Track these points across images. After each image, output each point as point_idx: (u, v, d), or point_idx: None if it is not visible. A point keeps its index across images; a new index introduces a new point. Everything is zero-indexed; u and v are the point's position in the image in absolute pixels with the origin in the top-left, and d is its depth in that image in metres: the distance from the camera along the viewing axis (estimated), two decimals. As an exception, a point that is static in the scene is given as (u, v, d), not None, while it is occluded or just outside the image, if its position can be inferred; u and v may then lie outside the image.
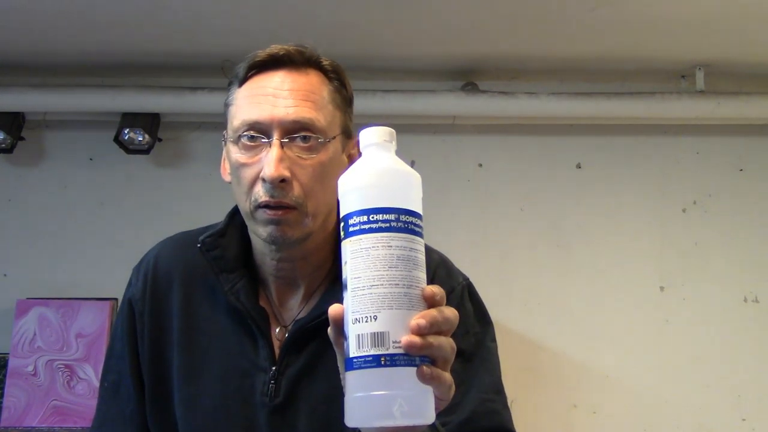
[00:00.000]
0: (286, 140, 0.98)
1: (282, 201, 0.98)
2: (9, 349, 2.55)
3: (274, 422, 1.02)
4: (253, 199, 1.00)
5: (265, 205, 0.98)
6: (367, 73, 2.79)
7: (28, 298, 2.62)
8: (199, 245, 1.07)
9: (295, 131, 0.99)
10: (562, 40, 2.41)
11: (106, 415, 1.11)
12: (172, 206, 2.75)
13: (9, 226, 2.83)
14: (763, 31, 2.30)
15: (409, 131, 2.87)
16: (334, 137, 1.02)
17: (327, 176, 1.00)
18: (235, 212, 1.11)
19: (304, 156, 0.99)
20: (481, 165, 2.91)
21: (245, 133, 1.00)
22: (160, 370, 1.07)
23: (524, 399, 2.84)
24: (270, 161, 0.97)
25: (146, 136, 2.64)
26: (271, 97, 1.00)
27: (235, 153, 1.01)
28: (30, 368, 2.51)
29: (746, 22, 2.23)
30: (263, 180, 0.97)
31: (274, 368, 1.03)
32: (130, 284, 1.15)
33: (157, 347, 1.08)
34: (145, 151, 2.70)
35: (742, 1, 2.06)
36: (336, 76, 1.07)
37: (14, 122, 2.65)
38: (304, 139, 0.99)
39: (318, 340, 1.02)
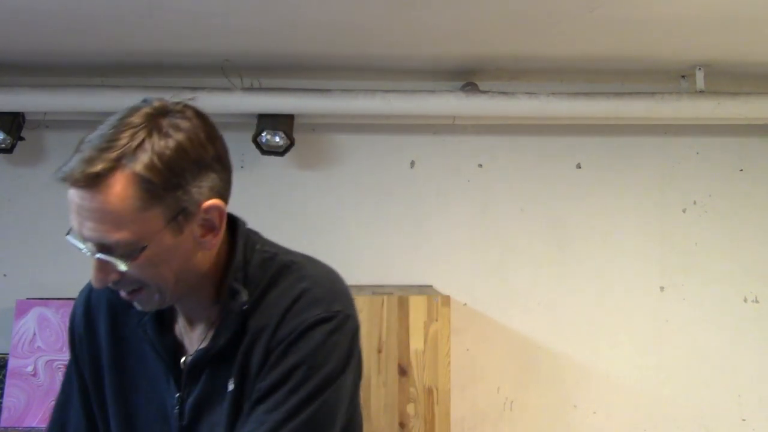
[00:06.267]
0: (99, 255, 0.98)
1: (123, 291, 1.04)
2: (9, 349, 2.55)
3: None
4: None
5: None
6: (367, 73, 2.79)
7: (28, 298, 2.62)
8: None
9: (104, 250, 0.98)
10: (562, 40, 2.41)
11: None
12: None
13: (9, 226, 2.83)
14: (763, 31, 2.30)
15: (409, 131, 2.88)
16: (147, 245, 0.98)
17: (157, 266, 1.00)
18: None
19: (123, 264, 0.98)
20: (481, 165, 2.91)
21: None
22: (98, 384, 1.18)
23: (524, 399, 2.85)
24: (91, 272, 1.00)
25: (146, 136, 2.63)
26: (77, 214, 0.98)
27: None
28: (30, 368, 2.52)
29: (746, 22, 2.23)
30: None
31: (177, 395, 1.11)
32: (76, 304, 1.25)
33: (94, 365, 1.19)
34: (145, 151, 2.69)
35: (742, 1, 2.06)
36: (145, 175, 0.95)
37: (14, 122, 2.65)
38: (114, 254, 0.98)
39: (212, 367, 1.10)
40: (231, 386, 1.08)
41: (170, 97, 1.07)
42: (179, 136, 0.99)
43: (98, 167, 0.95)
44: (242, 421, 1.06)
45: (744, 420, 2.86)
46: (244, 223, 1.15)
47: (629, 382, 2.86)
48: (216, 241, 1.06)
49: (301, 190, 2.86)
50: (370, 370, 2.35)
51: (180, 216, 0.99)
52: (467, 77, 2.80)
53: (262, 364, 1.06)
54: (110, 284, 1.01)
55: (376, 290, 2.58)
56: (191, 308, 1.13)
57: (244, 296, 1.08)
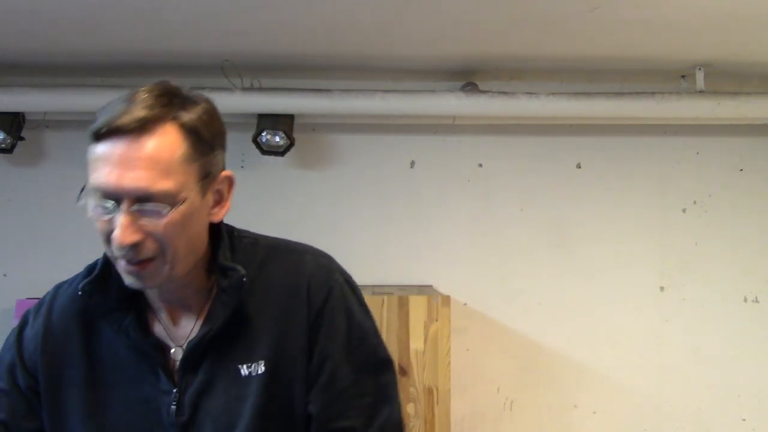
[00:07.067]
0: (135, 207, 0.98)
1: (137, 258, 1.00)
2: (9, 349, 2.55)
3: None
4: (112, 249, 1.01)
5: (122, 260, 1.01)
6: (367, 73, 2.79)
7: (28, 298, 2.62)
8: (79, 293, 1.10)
9: (143, 200, 0.98)
10: (562, 40, 2.41)
11: None
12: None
13: (9, 226, 2.83)
14: (763, 31, 2.30)
15: (409, 131, 2.88)
16: (187, 197, 1.00)
17: (183, 227, 1.02)
18: None
19: (155, 219, 0.99)
20: (481, 165, 2.91)
21: (96, 195, 0.99)
22: (55, 409, 1.12)
23: (524, 399, 2.85)
24: (119, 228, 0.97)
25: (146, 136, 2.63)
26: (116, 166, 0.96)
27: (90, 207, 1.01)
28: (30, 368, 2.51)
29: (746, 22, 2.23)
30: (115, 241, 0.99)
31: (174, 390, 1.09)
32: (26, 323, 1.19)
33: (51, 389, 1.13)
34: (145, 151, 2.69)
35: (742, 1, 2.06)
36: (193, 129, 1.01)
37: (14, 122, 2.65)
38: (154, 205, 0.98)
39: (213, 354, 1.09)
40: (261, 369, 1.08)
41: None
42: (207, 105, 1.06)
43: (152, 113, 0.98)
44: (297, 395, 1.08)
45: (744, 420, 2.86)
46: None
47: (629, 382, 2.86)
48: (222, 214, 1.09)
49: (301, 190, 2.86)
50: (370, 370, 2.35)
51: (206, 178, 1.04)
52: (467, 77, 2.80)
53: (310, 339, 1.09)
54: (129, 247, 0.98)
55: (376, 290, 2.58)
56: (180, 297, 1.11)
57: (242, 271, 1.08)
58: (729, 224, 2.92)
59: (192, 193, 1.01)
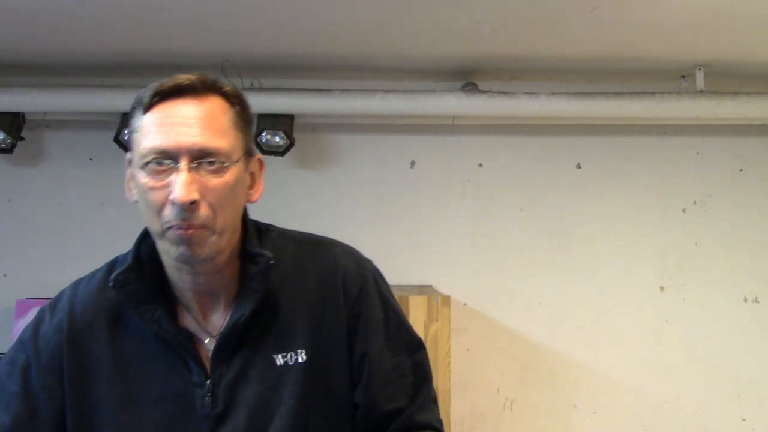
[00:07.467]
0: (194, 165, 1.02)
1: (191, 222, 1.02)
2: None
3: (218, 431, 1.08)
4: (164, 221, 1.03)
5: (176, 226, 1.03)
6: (367, 73, 2.79)
7: (28, 298, 2.62)
8: (111, 284, 1.10)
9: (201, 157, 1.03)
10: (562, 40, 2.41)
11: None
12: (172, 206, 2.75)
13: (9, 226, 2.83)
14: (763, 31, 2.30)
15: (409, 131, 2.88)
16: (238, 160, 1.07)
17: (233, 195, 1.07)
18: (142, 240, 1.15)
19: (211, 178, 1.03)
20: (481, 165, 2.91)
21: (154, 159, 1.03)
22: (84, 404, 1.11)
23: (524, 399, 2.85)
24: (179, 185, 1.01)
25: (146, 136, 2.63)
26: (177, 125, 1.03)
27: (143, 177, 1.04)
28: (30, 368, 2.51)
29: (746, 22, 2.23)
30: (173, 203, 1.01)
31: (208, 382, 1.09)
32: (42, 320, 1.17)
33: (79, 383, 1.11)
34: (145, 151, 2.70)
35: (742, 1, 2.06)
36: (237, 101, 1.10)
37: (14, 122, 2.65)
38: (211, 163, 1.03)
39: (246, 344, 1.10)
40: (301, 358, 1.09)
41: None
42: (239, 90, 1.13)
43: (202, 80, 1.06)
44: (338, 381, 1.12)
45: (744, 420, 2.86)
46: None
47: (629, 382, 2.86)
48: (257, 196, 1.14)
49: (301, 190, 2.86)
50: (370, 370, 2.35)
51: (247, 153, 1.10)
52: (467, 77, 2.80)
53: (349, 328, 1.14)
54: (188, 209, 1.01)
55: (376, 290, 2.57)
56: (213, 286, 1.11)
57: (269, 255, 1.11)
58: (729, 224, 2.92)
59: (239, 160, 1.07)
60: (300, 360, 1.09)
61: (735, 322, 2.89)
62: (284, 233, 1.22)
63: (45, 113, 2.72)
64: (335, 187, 2.88)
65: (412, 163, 2.90)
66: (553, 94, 2.65)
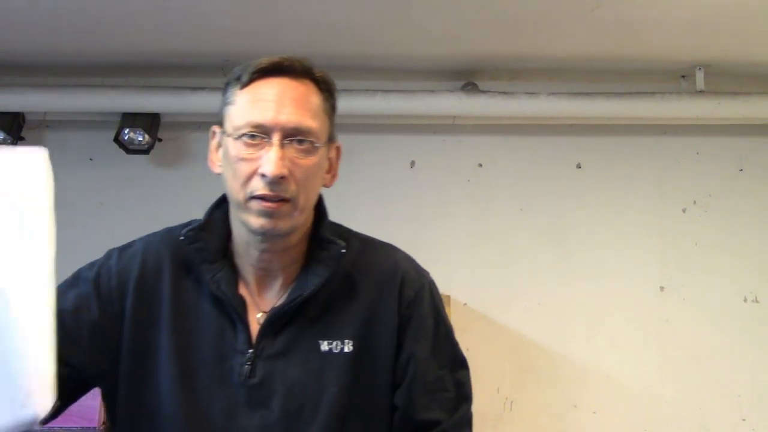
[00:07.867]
0: (286, 142, 1.07)
1: (278, 193, 1.06)
2: (9, 349, 2.54)
3: (250, 401, 1.09)
4: (249, 190, 1.07)
5: (261, 197, 1.06)
6: (367, 73, 2.79)
7: (28, 298, 2.62)
8: (182, 238, 1.14)
9: (294, 135, 1.07)
10: (562, 40, 2.41)
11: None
12: (172, 206, 2.74)
13: (9, 226, 2.83)
14: (763, 31, 2.30)
15: (409, 131, 2.88)
16: (324, 143, 1.12)
17: (316, 176, 1.13)
18: (217, 206, 1.18)
19: (300, 157, 1.08)
20: (481, 165, 2.91)
21: (248, 132, 1.07)
22: (142, 347, 1.13)
23: (524, 399, 2.85)
24: (271, 160, 1.05)
25: (146, 136, 2.63)
26: (273, 102, 1.08)
27: (234, 148, 1.08)
28: (30, 368, 2.51)
29: (746, 22, 2.23)
30: (262, 176, 1.05)
31: (250, 351, 1.10)
32: (111, 257, 1.19)
33: (141, 326, 1.13)
34: (145, 151, 2.69)
35: (742, 1, 2.06)
36: (326, 87, 1.14)
37: (14, 122, 2.65)
38: (301, 142, 1.08)
39: (295, 325, 1.12)
40: (348, 348, 1.11)
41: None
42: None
43: (298, 62, 1.12)
44: (382, 379, 1.12)
45: (744, 420, 2.86)
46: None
47: (629, 382, 2.86)
48: (333, 182, 1.19)
49: (301, 190, 2.86)
50: (370, 370, 2.34)
51: (330, 139, 1.14)
52: (467, 77, 2.80)
53: (399, 332, 1.14)
54: (277, 182, 1.04)
55: (376, 290, 2.57)
56: (277, 264, 1.13)
57: (342, 244, 1.14)
58: (729, 224, 2.92)
59: (325, 144, 1.12)
60: (346, 350, 1.11)
61: (735, 322, 2.89)
62: (350, 231, 1.25)
63: (45, 113, 2.72)
64: (335, 187, 2.86)
65: (412, 163, 2.90)
66: (553, 94, 2.65)
